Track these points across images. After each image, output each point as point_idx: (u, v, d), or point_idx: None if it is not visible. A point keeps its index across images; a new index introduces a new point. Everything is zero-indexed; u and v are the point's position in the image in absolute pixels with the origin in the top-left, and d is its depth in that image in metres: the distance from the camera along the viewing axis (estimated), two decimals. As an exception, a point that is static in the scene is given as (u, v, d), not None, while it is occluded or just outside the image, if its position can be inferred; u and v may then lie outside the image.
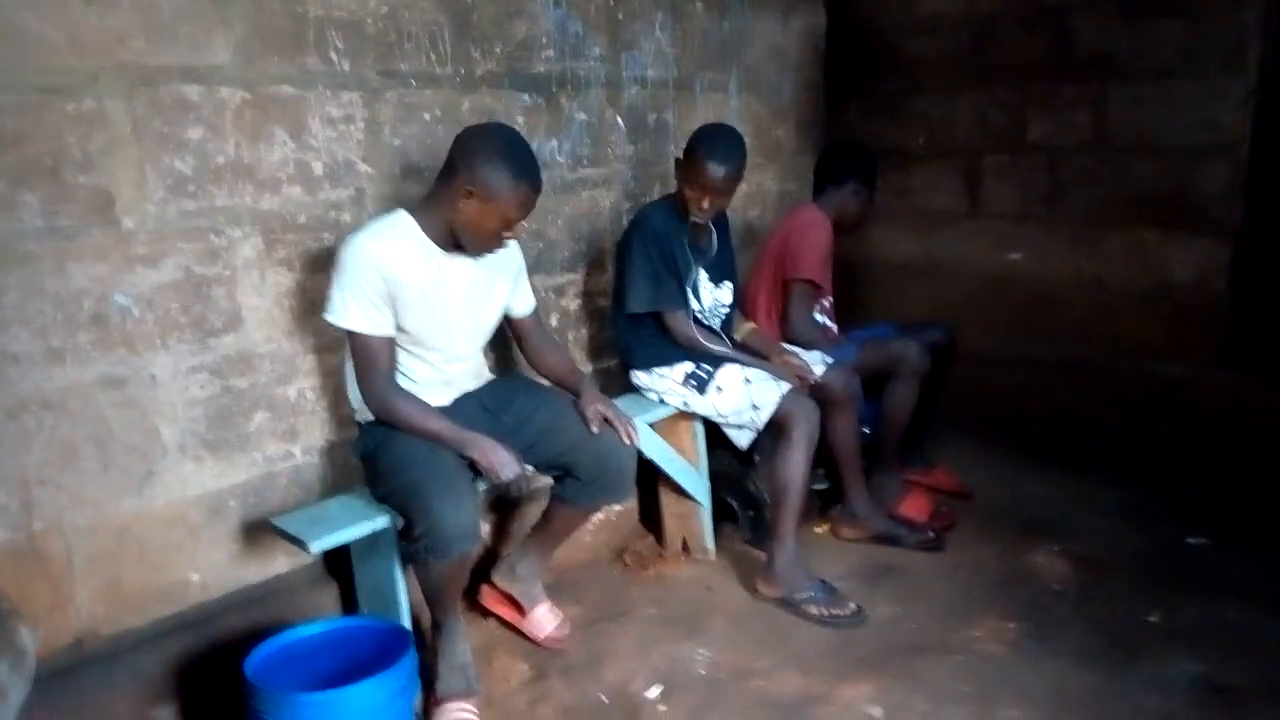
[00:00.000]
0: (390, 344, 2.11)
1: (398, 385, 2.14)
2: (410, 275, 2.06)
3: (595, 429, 2.28)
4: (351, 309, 2.03)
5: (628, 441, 2.31)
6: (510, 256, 2.30)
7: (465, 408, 2.27)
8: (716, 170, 2.58)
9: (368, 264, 2.02)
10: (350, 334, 2.07)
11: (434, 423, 2.13)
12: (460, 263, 2.16)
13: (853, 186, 3.16)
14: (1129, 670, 2.28)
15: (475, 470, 2.13)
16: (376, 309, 2.04)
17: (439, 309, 2.13)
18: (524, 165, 2.05)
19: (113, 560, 2.03)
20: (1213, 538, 2.94)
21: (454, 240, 2.12)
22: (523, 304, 2.42)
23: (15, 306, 1.83)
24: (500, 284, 2.30)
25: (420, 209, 2.12)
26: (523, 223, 2.14)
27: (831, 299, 3.30)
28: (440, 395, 2.25)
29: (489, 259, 2.20)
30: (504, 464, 2.09)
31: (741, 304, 3.08)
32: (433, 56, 2.45)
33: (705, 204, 2.63)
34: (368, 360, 2.09)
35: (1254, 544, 2.88)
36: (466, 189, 2.01)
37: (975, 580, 2.76)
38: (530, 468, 2.15)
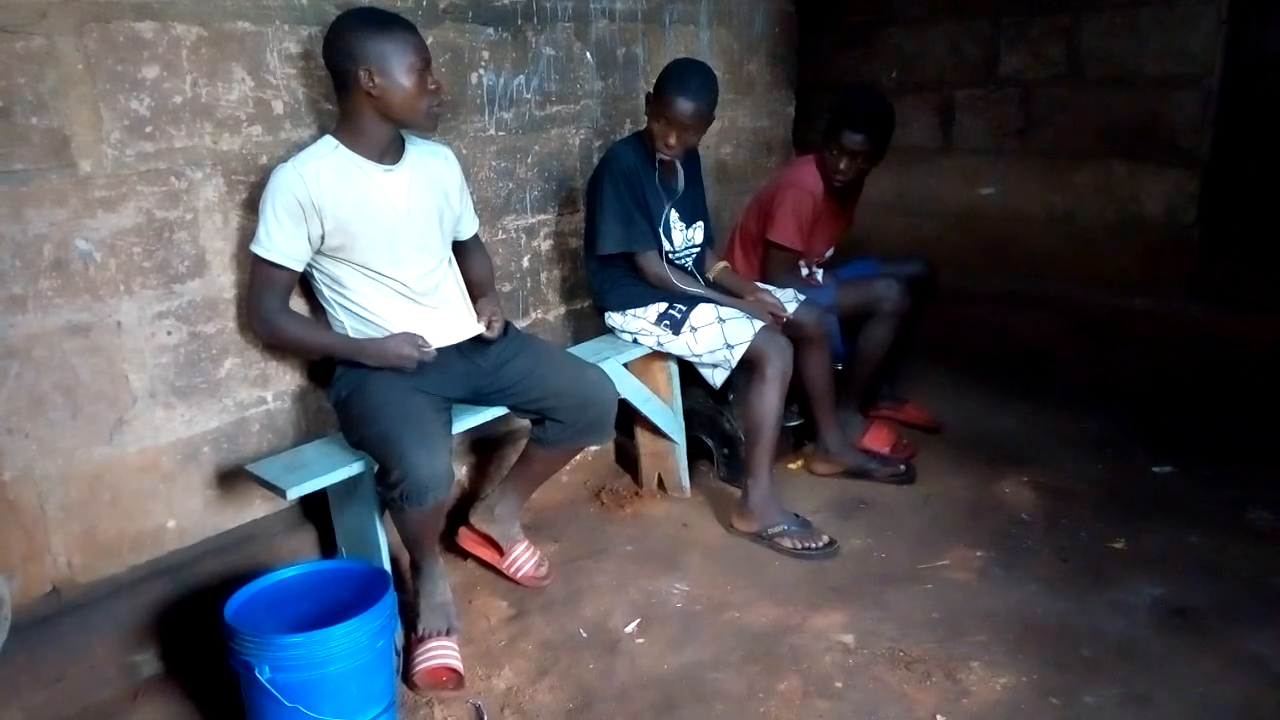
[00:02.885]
0: (292, 279, 2.11)
1: (289, 310, 2.15)
2: (333, 193, 2.04)
3: (487, 328, 2.27)
4: (262, 238, 2.03)
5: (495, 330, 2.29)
6: (448, 169, 2.30)
7: (442, 353, 2.25)
8: (685, 106, 2.54)
9: (283, 190, 2.01)
10: (255, 259, 2.06)
11: (325, 337, 2.19)
12: (397, 176, 2.15)
13: (826, 138, 3.00)
14: (1093, 595, 2.35)
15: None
16: (289, 238, 2.03)
17: (377, 222, 2.11)
18: (384, 19, 2.05)
19: (87, 508, 2.02)
20: (1178, 466, 3.01)
21: (387, 149, 2.13)
22: (468, 226, 2.42)
23: (-28, 254, 1.79)
24: (446, 198, 2.27)
25: (341, 129, 2.11)
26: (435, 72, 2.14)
27: (831, 250, 3.27)
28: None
29: (426, 171, 2.21)
30: (405, 356, 2.10)
31: (726, 240, 3.05)
32: (394, -11, 2.38)
33: (672, 140, 2.59)
34: (264, 284, 2.08)
35: (1218, 471, 2.95)
36: (365, 72, 2.00)
37: (945, 511, 2.82)
38: (432, 349, 2.15)
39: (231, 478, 2.24)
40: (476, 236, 2.47)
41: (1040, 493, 2.88)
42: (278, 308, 2.10)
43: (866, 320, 3.06)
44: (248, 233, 2.12)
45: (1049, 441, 3.23)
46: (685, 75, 2.59)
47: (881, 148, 3.00)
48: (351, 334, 2.18)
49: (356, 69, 2.00)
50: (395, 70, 2.01)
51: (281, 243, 2.03)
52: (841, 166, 2.97)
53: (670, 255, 2.79)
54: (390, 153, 2.15)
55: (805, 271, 3.19)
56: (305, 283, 2.20)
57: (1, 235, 1.81)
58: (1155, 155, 3.82)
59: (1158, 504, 2.79)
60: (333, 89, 2.11)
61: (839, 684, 2.07)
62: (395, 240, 2.14)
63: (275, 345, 2.24)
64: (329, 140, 2.10)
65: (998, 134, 4.21)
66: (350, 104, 2.06)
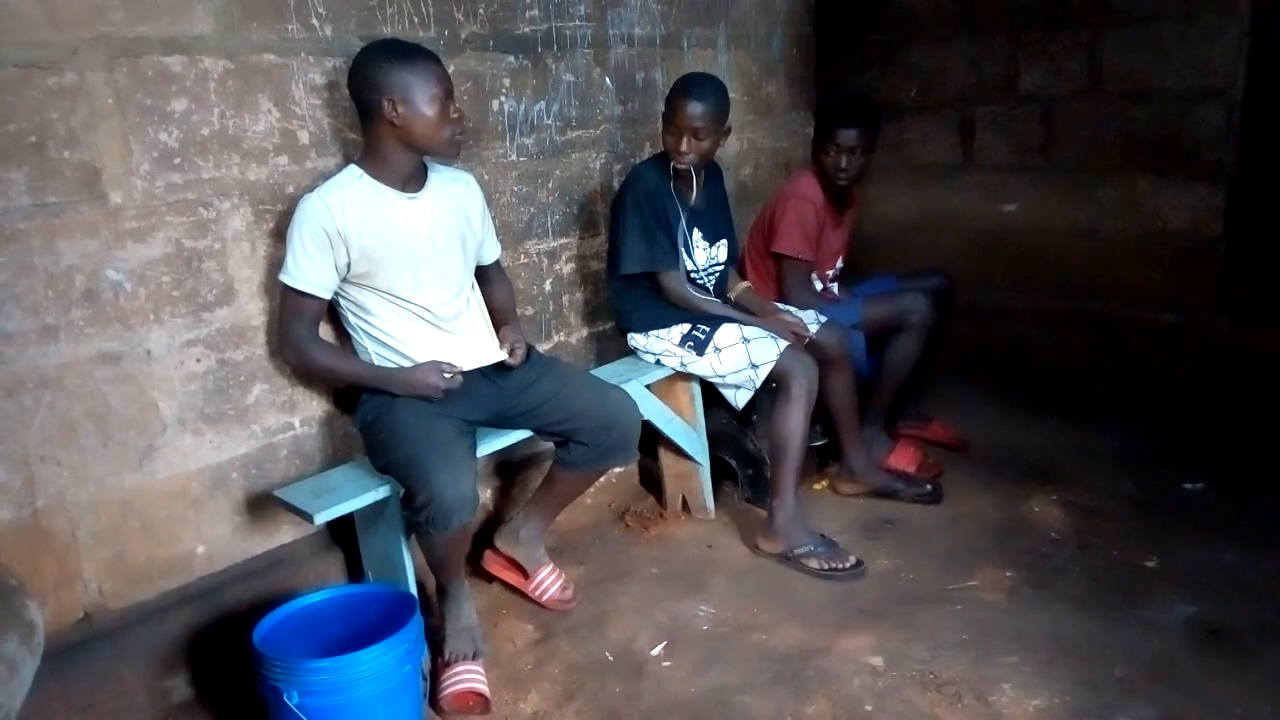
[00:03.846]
0: (320, 306, 2.14)
1: (319, 338, 2.18)
2: (358, 221, 2.07)
3: (510, 355, 2.29)
4: (290, 267, 2.07)
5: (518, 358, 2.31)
6: (470, 196, 2.33)
7: (466, 377, 2.26)
8: (693, 108, 2.57)
9: (310, 219, 2.04)
10: (284, 289, 2.09)
11: (354, 366, 2.21)
12: (420, 204, 2.18)
13: (820, 144, 3.07)
14: (1125, 614, 2.32)
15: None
16: (317, 266, 2.06)
17: (401, 249, 2.13)
18: (407, 50, 2.08)
19: (117, 535, 2.04)
20: (1209, 482, 2.97)
21: (411, 177, 2.16)
22: (490, 252, 2.44)
23: (6, 285, 1.82)
24: (469, 224, 2.30)
25: (365, 158, 2.14)
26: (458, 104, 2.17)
27: (840, 263, 3.29)
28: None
29: (448, 198, 2.24)
30: (432, 385, 2.13)
31: (740, 260, 3.07)
32: (415, 19, 2.42)
33: (684, 145, 2.61)
34: (294, 312, 2.11)
35: (1250, 488, 2.90)
36: (388, 102, 2.03)
37: (973, 530, 2.79)
38: (458, 375, 2.17)
39: (260, 503, 2.26)
40: (498, 263, 2.49)
41: (1069, 511, 2.85)
42: (308, 336, 2.13)
43: (893, 335, 3.05)
44: (275, 261, 2.15)
45: (1077, 459, 3.19)
46: (686, 80, 2.68)
47: (874, 137, 3.05)
48: (376, 360, 2.21)
49: (380, 99, 2.03)
50: (418, 100, 2.04)
51: (309, 272, 2.06)
52: (842, 165, 3.01)
53: (693, 274, 2.80)
54: (413, 181, 2.17)
55: (820, 286, 3.19)
56: (330, 309, 2.22)
57: (35, 266, 1.85)
58: (1179, 169, 3.79)
59: (1189, 521, 2.75)
60: (357, 119, 2.14)
61: (869, 707, 2.05)
62: (419, 267, 2.16)
63: (305, 373, 2.27)
64: (353, 169, 2.13)
65: (1019, 150, 4.20)
66: (374, 133, 2.10)
